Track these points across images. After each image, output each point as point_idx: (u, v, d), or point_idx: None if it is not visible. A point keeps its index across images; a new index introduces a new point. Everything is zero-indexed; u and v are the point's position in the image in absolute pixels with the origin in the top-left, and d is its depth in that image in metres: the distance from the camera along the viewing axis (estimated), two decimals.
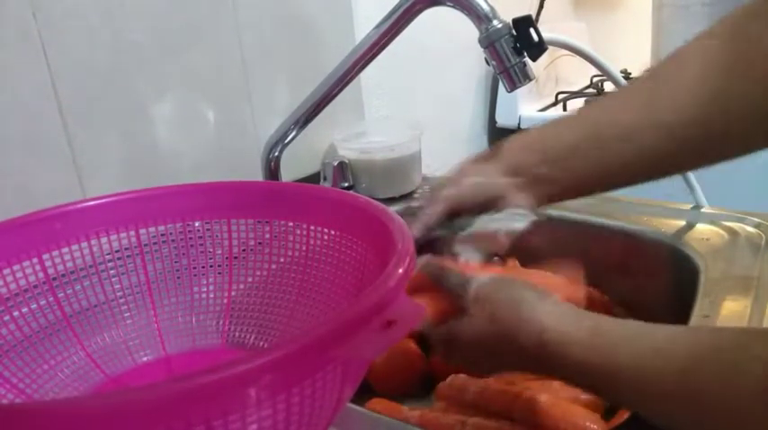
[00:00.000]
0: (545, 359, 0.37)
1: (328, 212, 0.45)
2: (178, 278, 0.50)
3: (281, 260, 0.49)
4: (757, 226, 0.63)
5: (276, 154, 0.70)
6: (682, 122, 0.44)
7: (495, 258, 0.52)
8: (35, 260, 0.43)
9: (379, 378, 0.59)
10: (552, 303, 0.39)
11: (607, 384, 0.35)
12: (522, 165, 0.50)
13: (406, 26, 0.61)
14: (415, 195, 0.83)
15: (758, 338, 0.32)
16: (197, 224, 0.49)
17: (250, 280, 0.50)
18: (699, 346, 0.33)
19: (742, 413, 0.29)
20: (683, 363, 0.32)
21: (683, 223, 0.66)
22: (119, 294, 0.48)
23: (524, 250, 0.66)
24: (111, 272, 0.47)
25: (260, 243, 0.49)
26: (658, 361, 0.33)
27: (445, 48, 1.11)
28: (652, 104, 0.46)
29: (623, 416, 0.48)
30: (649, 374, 0.33)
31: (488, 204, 0.50)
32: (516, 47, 0.54)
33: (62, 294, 0.45)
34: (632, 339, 0.35)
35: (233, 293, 0.50)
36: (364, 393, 0.59)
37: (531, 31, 0.54)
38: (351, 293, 0.43)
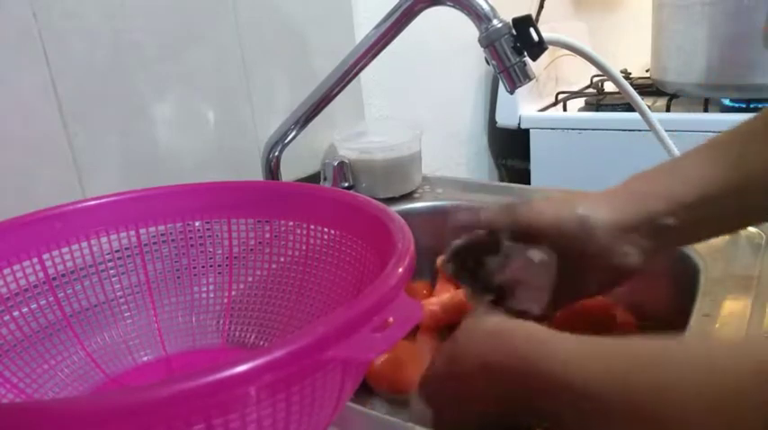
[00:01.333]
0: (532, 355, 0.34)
1: (328, 212, 0.45)
2: (178, 278, 0.50)
3: (282, 260, 0.49)
4: (757, 225, 0.63)
5: (276, 154, 0.70)
6: None
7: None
8: (35, 260, 0.43)
9: (378, 378, 0.59)
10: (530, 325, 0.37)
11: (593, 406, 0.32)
12: (643, 212, 0.42)
13: (406, 26, 0.61)
14: (416, 195, 0.83)
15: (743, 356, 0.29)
16: (197, 224, 0.49)
17: (250, 279, 0.50)
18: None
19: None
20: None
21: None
22: (119, 294, 0.48)
23: None
24: (112, 271, 0.47)
25: (260, 243, 0.49)
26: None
27: (445, 48, 1.11)
28: None
29: None
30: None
31: (574, 245, 0.42)
32: (516, 46, 0.54)
33: (62, 294, 0.45)
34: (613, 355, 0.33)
35: (233, 293, 0.50)
36: (364, 393, 0.59)
37: (531, 30, 0.54)
38: (351, 293, 0.43)
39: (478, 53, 0.60)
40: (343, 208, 0.44)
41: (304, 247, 0.47)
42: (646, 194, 0.43)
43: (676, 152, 0.69)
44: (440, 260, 0.49)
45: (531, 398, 0.35)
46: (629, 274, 0.43)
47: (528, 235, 0.43)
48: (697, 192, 0.41)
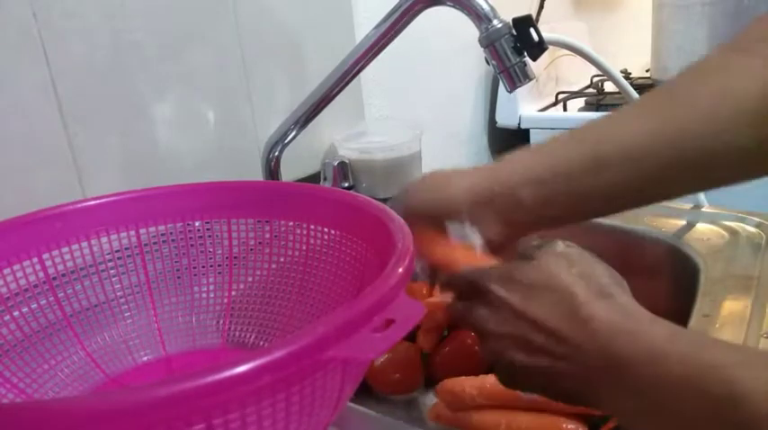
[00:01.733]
0: (612, 337, 0.31)
1: (328, 212, 0.45)
2: (178, 278, 0.50)
3: (282, 260, 0.49)
4: (757, 226, 0.63)
5: (276, 154, 0.70)
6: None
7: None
8: (35, 260, 0.43)
9: (378, 378, 0.59)
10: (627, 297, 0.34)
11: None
12: (502, 181, 0.43)
13: (406, 26, 0.61)
14: None
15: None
16: (197, 224, 0.49)
17: (250, 279, 0.50)
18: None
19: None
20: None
21: (683, 223, 0.66)
22: (119, 294, 0.48)
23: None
24: (112, 271, 0.47)
25: (260, 243, 0.49)
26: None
27: (445, 47, 1.11)
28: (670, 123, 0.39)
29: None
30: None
31: (439, 220, 0.43)
32: (516, 46, 0.54)
33: (62, 294, 0.45)
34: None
35: (233, 293, 0.50)
36: (364, 393, 0.59)
37: (532, 30, 0.54)
38: (351, 293, 0.43)
39: (478, 53, 0.60)
40: (344, 208, 0.44)
41: (304, 247, 0.47)
42: (501, 169, 0.44)
43: None
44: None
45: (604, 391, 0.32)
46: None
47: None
48: (552, 167, 0.41)
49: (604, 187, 0.41)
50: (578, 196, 0.42)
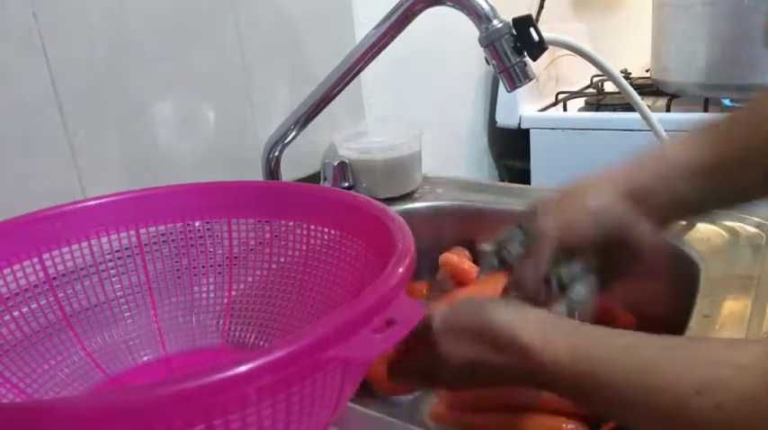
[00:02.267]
0: (528, 370, 0.35)
1: (328, 212, 0.45)
2: (178, 278, 0.50)
3: (282, 260, 0.49)
4: (758, 226, 0.63)
5: (276, 154, 0.70)
6: None
7: None
8: (35, 260, 0.43)
9: (379, 378, 0.59)
10: (512, 307, 0.38)
11: (590, 387, 0.33)
12: (650, 183, 0.43)
13: (406, 26, 0.61)
14: (416, 195, 0.83)
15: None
16: (197, 224, 0.49)
17: (250, 279, 0.50)
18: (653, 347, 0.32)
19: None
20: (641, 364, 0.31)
21: (683, 222, 0.66)
22: (119, 294, 0.48)
23: None
24: (112, 271, 0.47)
25: (260, 243, 0.49)
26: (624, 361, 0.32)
27: (445, 47, 1.11)
28: None
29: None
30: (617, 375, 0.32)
31: (609, 239, 0.43)
32: (516, 46, 0.54)
33: (62, 294, 0.45)
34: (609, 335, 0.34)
35: (233, 293, 0.50)
36: (364, 393, 0.59)
37: (532, 30, 0.54)
38: (351, 293, 0.43)
39: (478, 53, 0.60)
40: (344, 208, 0.44)
41: (304, 247, 0.47)
42: (648, 164, 0.44)
43: None
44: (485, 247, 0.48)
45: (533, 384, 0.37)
46: (645, 253, 0.44)
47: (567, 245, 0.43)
48: (700, 156, 0.42)
49: (761, 177, 0.42)
50: (735, 189, 0.44)
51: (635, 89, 0.74)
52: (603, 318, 0.61)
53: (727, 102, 1.18)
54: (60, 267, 0.44)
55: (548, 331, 0.35)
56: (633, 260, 0.45)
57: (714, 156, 0.42)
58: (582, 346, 0.34)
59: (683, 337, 0.44)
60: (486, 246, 0.48)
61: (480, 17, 0.55)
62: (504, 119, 1.26)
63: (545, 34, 0.54)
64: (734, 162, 0.42)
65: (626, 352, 0.33)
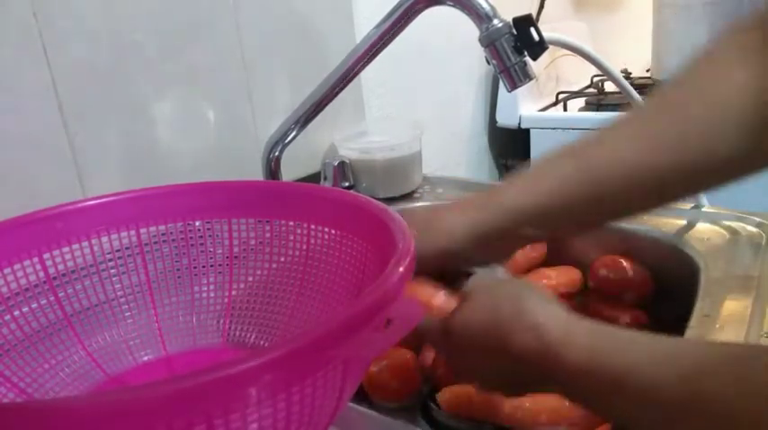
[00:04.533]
0: (541, 360, 0.35)
1: (329, 212, 0.45)
2: (179, 277, 0.50)
3: (282, 259, 0.49)
4: (758, 225, 0.63)
5: (276, 153, 0.70)
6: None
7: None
8: (36, 259, 0.43)
9: (375, 386, 0.58)
10: (553, 306, 0.38)
11: (605, 389, 0.33)
12: (497, 228, 0.45)
13: (407, 26, 0.61)
14: (416, 195, 0.83)
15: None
16: (197, 223, 0.49)
17: (250, 279, 0.50)
18: (709, 353, 0.31)
19: (752, 421, 0.28)
20: (691, 369, 0.30)
21: (683, 222, 0.66)
22: (119, 293, 0.48)
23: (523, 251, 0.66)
24: (112, 271, 0.47)
25: (260, 242, 0.49)
26: (664, 366, 0.31)
27: (445, 47, 1.11)
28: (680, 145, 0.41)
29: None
30: (653, 379, 0.31)
31: (446, 268, 0.47)
32: (517, 46, 0.54)
33: (62, 293, 0.45)
34: (636, 343, 0.34)
35: (233, 293, 0.50)
36: (361, 401, 0.58)
37: (532, 30, 0.54)
38: (351, 292, 0.43)
39: (479, 53, 0.60)
40: (344, 208, 0.44)
41: (304, 247, 0.47)
42: (495, 204, 0.46)
43: None
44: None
45: (549, 380, 0.36)
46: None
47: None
48: (551, 202, 0.44)
49: (606, 209, 0.44)
50: (579, 221, 0.46)
51: (635, 89, 0.74)
52: (604, 318, 0.61)
53: None
54: (61, 267, 0.44)
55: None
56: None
57: (551, 196, 0.44)
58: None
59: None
60: None
61: (480, 17, 0.55)
62: (505, 119, 1.26)
63: (545, 34, 0.54)
64: (572, 203, 0.43)
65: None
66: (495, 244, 0.46)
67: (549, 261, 0.70)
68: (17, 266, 0.42)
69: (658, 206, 0.46)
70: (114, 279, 0.48)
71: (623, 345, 0.34)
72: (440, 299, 0.46)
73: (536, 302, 0.38)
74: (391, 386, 0.56)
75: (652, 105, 0.45)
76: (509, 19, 0.55)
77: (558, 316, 0.37)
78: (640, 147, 0.42)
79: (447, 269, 0.48)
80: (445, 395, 0.52)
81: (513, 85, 0.56)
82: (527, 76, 0.56)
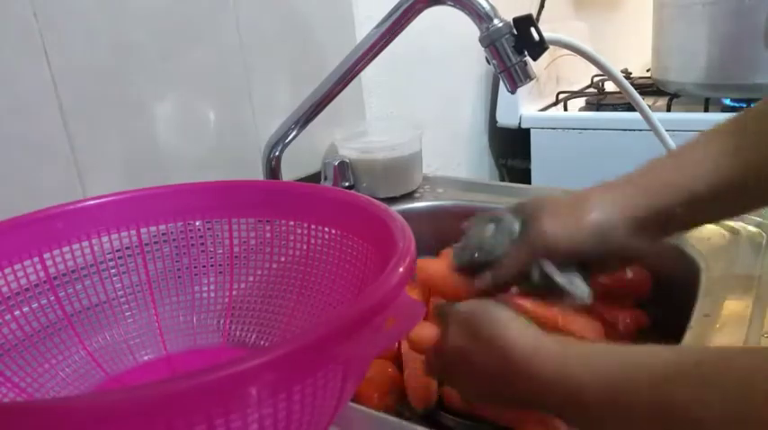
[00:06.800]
0: (513, 376, 0.36)
1: (329, 212, 0.45)
2: (179, 277, 0.50)
3: (282, 259, 0.49)
4: (758, 225, 0.63)
5: (277, 153, 0.70)
6: None
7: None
8: (36, 259, 0.43)
9: (355, 396, 0.56)
10: (522, 323, 0.38)
11: (573, 400, 0.33)
12: (651, 207, 0.44)
13: (407, 26, 0.61)
14: (416, 195, 0.83)
15: (742, 353, 0.30)
16: (198, 223, 0.49)
17: (251, 279, 0.50)
18: (680, 359, 0.31)
19: (719, 427, 0.27)
20: (660, 375, 0.30)
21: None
22: (120, 293, 0.48)
23: None
24: (112, 271, 0.47)
25: (261, 242, 0.49)
26: (634, 372, 0.31)
27: (446, 47, 1.11)
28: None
29: None
30: (622, 385, 0.31)
31: (601, 252, 0.45)
32: (517, 46, 0.54)
33: (63, 293, 0.45)
34: (608, 352, 0.34)
35: (234, 292, 0.50)
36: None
37: (532, 30, 0.54)
38: (352, 292, 0.43)
39: (479, 53, 0.60)
40: (344, 207, 0.44)
41: (305, 247, 0.47)
42: (654, 188, 0.45)
43: None
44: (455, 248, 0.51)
45: (528, 400, 0.37)
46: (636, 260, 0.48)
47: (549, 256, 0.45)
48: (702, 182, 0.43)
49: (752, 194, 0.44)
50: (721, 208, 0.46)
51: (635, 89, 0.74)
52: (605, 318, 0.61)
53: (727, 101, 1.17)
54: (61, 266, 0.44)
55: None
56: (619, 266, 0.48)
57: (718, 180, 0.43)
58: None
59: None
60: (467, 239, 0.50)
61: (481, 17, 0.55)
62: (505, 118, 1.26)
63: (546, 34, 0.54)
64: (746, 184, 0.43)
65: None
66: (649, 225, 0.44)
67: None
68: (17, 266, 0.42)
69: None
70: (114, 279, 0.48)
71: (593, 355, 0.34)
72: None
73: (506, 323, 0.38)
74: (373, 397, 0.55)
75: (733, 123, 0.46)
76: (509, 19, 0.55)
77: (526, 333, 0.37)
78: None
79: (596, 254, 0.45)
80: (447, 394, 0.52)
81: (514, 85, 0.56)
82: (527, 76, 0.56)
